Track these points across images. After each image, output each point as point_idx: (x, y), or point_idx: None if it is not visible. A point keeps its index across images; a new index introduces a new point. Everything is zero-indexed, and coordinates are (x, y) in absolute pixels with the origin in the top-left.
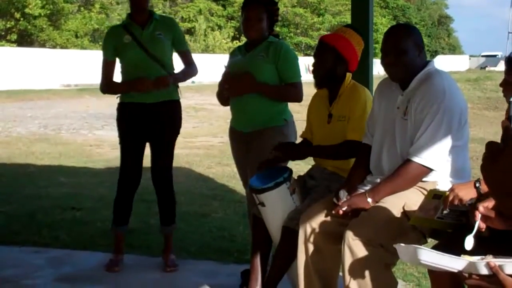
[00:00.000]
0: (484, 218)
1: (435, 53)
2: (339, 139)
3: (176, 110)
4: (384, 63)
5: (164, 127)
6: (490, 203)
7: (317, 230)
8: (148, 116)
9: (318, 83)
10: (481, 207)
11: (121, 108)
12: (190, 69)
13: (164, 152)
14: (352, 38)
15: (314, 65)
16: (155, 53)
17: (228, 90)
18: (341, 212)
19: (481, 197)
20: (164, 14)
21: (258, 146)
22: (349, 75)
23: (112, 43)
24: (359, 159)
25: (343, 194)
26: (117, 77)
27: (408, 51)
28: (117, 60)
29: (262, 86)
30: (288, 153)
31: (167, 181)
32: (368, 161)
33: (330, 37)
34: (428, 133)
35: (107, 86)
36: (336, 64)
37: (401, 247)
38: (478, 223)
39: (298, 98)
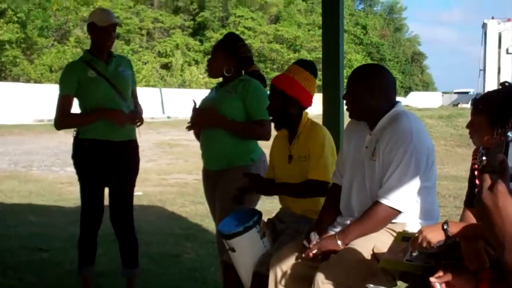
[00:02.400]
0: (446, 284)
1: (409, 90)
2: (301, 179)
3: (136, 150)
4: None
5: (125, 168)
6: (441, 275)
7: (287, 273)
8: (113, 154)
9: (276, 125)
10: (433, 279)
11: (81, 144)
12: (141, 108)
13: (125, 194)
14: (297, 75)
15: (267, 108)
16: (121, 88)
17: (192, 123)
18: (311, 255)
19: (448, 239)
20: (118, 53)
21: (223, 186)
22: (305, 113)
23: (75, 78)
24: (329, 199)
25: (314, 237)
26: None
27: (357, 94)
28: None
29: (226, 121)
30: (255, 184)
31: (128, 223)
32: (338, 202)
33: (277, 79)
34: (396, 175)
35: (67, 118)
36: (286, 104)
37: None
38: None
39: (265, 136)
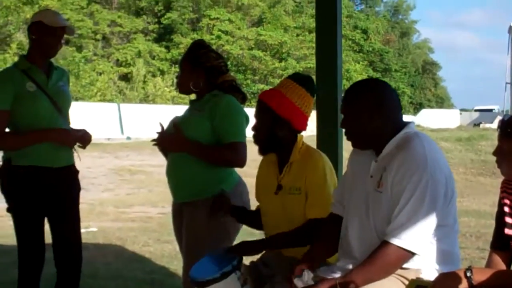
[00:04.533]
0: None
1: (419, 106)
2: (292, 215)
3: (76, 176)
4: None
5: (66, 196)
6: None
7: None
8: (50, 183)
9: (261, 149)
10: None
11: (15, 173)
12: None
13: (69, 228)
14: (291, 92)
15: (253, 128)
16: (61, 105)
17: (157, 145)
18: None
19: None
20: (57, 64)
21: (189, 221)
22: (300, 137)
23: (13, 90)
24: (325, 231)
25: (307, 276)
26: None
27: (354, 120)
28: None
29: (191, 145)
30: (241, 252)
31: (75, 262)
32: (334, 235)
33: (266, 95)
34: (408, 209)
35: (2, 138)
36: (275, 126)
37: None
38: None
39: (237, 161)
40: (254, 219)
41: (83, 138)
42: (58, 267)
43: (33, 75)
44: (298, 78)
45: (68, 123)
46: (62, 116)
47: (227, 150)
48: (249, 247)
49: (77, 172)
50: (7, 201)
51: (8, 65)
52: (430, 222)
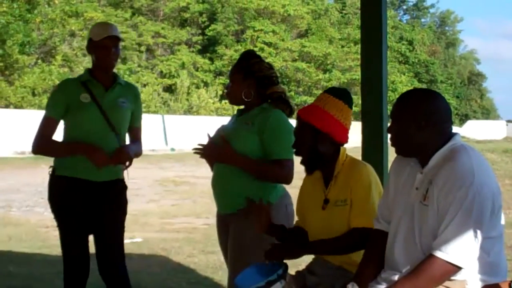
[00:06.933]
0: None
1: (465, 118)
2: (339, 228)
3: (123, 191)
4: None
5: (112, 211)
6: None
7: None
8: (93, 197)
9: (307, 169)
10: None
11: (58, 183)
12: (140, 147)
13: (114, 240)
14: (329, 105)
15: (293, 145)
16: (114, 121)
17: (202, 155)
18: None
19: None
20: (128, 81)
21: (235, 232)
22: (343, 150)
23: (65, 100)
24: (370, 249)
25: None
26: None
27: (403, 127)
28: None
29: (240, 158)
30: (282, 256)
31: (120, 274)
32: (381, 252)
33: (304, 111)
34: (454, 223)
35: (45, 143)
36: (316, 141)
37: None
38: None
39: (284, 178)
40: (292, 238)
41: (115, 160)
42: (105, 281)
43: (91, 87)
44: (335, 92)
45: (122, 140)
46: (114, 133)
47: (275, 166)
48: (289, 250)
49: (124, 187)
50: (52, 210)
51: (53, 76)
52: (476, 237)
